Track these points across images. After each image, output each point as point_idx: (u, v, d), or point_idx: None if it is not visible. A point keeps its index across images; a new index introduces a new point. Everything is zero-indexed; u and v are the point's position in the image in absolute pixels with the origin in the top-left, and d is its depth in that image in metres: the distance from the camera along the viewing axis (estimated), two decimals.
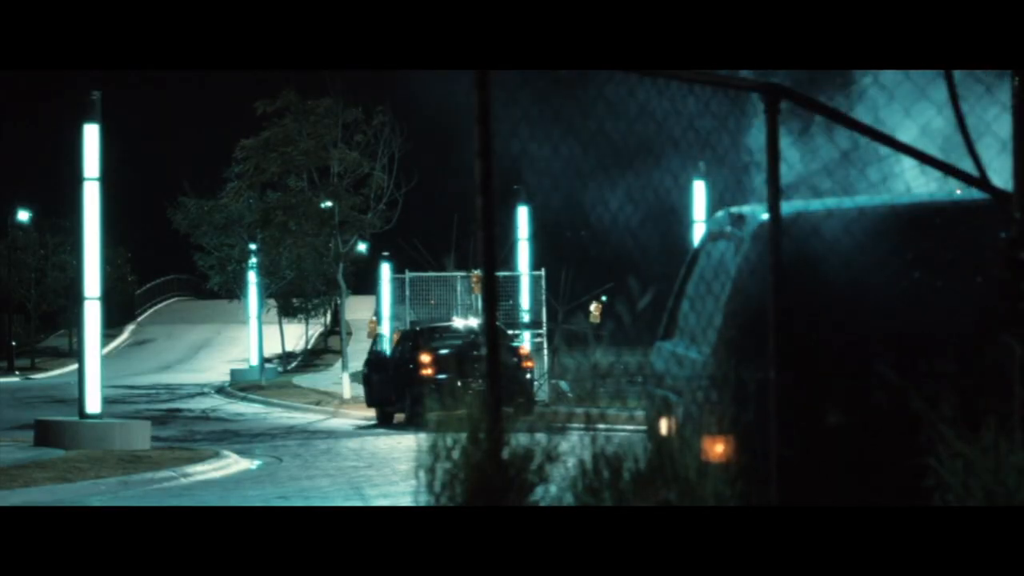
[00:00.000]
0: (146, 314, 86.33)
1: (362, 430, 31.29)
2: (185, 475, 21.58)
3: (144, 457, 22.98)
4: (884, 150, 7.61)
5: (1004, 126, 7.10)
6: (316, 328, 72.94)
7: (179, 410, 39.79)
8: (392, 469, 21.13)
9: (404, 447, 24.63)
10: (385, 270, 39.82)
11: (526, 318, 37.46)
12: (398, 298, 39.38)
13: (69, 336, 70.70)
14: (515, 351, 31.68)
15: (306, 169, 44.41)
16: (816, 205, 7.81)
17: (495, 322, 6.48)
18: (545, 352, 36.86)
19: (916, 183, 7.87)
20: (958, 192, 7.75)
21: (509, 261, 37.78)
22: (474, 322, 33.44)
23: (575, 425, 6.65)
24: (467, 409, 6.37)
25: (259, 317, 56.14)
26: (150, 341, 75.54)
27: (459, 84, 6.73)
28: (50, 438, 24.55)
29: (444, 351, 31.59)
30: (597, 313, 34.64)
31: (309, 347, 71.11)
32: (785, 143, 7.44)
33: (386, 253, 40.75)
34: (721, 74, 7.18)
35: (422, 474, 6.44)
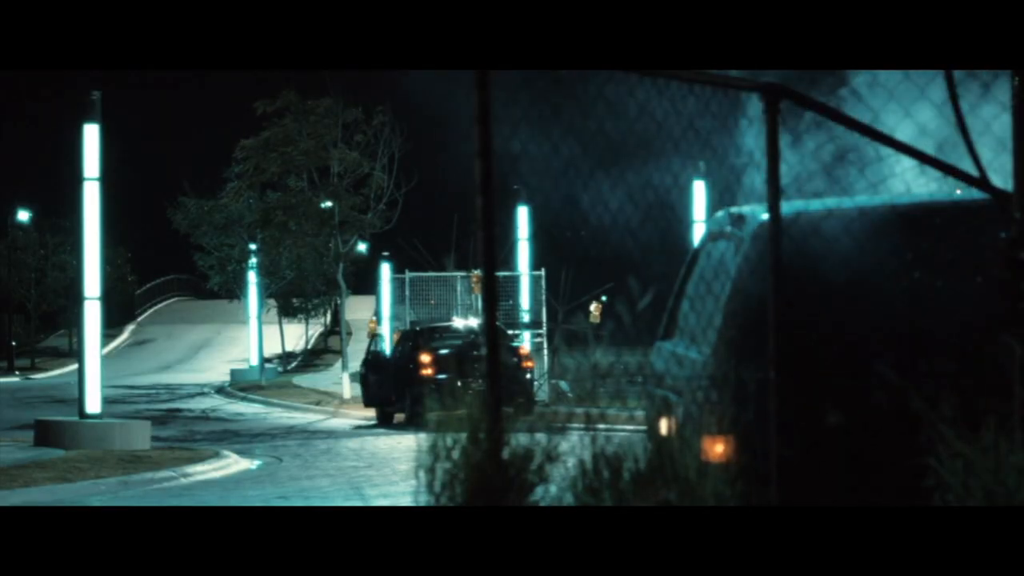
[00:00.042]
0: (146, 314, 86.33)
1: (362, 430, 31.30)
2: (185, 475, 21.58)
3: (144, 457, 22.98)
4: (875, 152, 7.60)
5: (1003, 126, 7.10)
6: (316, 328, 72.95)
7: (179, 410, 39.79)
8: (392, 469, 21.13)
9: (404, 447, 24.63)
10: (385, 270, 39.81)
11: (526, 318, 37.46)
12: (398, 298, 39.37)
13: (69, 336, 70.70)
14: (515, 351, 31.68)
15: (306, 169, 44.42)
16: (816, 205, 7.81)
17: (495, 322, 6.48)
18: (545, 352, 36.86)
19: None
20: (958, 192, 7.75)
21: (509, 261, 37.77)
22: (474, 322, 33.45)
23: (575, 425, 6.65)
24: (467, 409, 6.37)
25: (259, 317, 56.14)
26: (150, 341, 75.54)
27: (459, 84, 6.74)
28: (50, 438, 24.56)
29: (444, 351, 31.60)
30: (597, 313, 34.66)
31: (309, 347, 71.12)
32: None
33: (386, 253, 40.74)
34: (721, 74, 7.18)
35: (422, 474, 6.44)
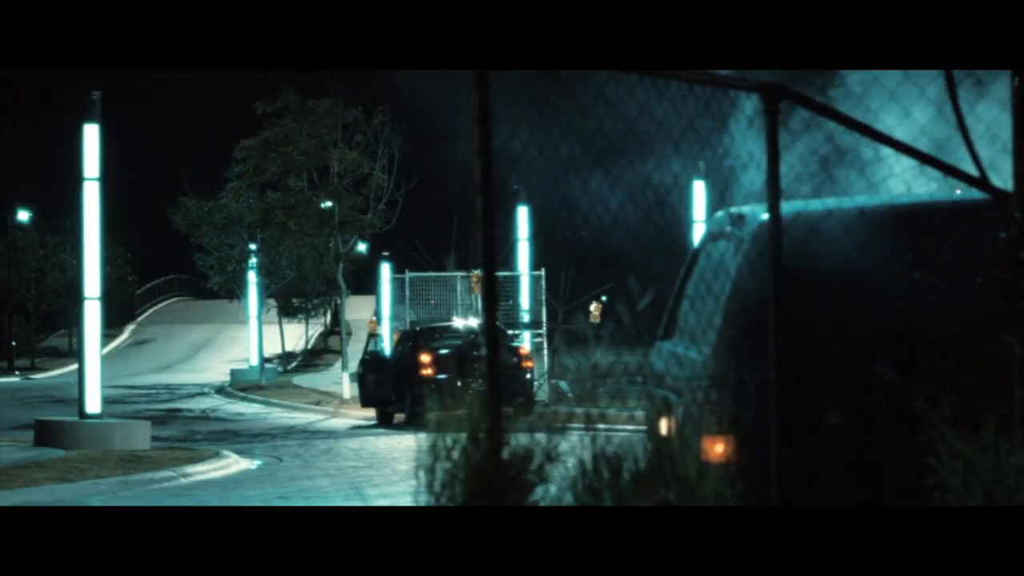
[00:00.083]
0: (146, 314, 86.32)
1: (362, 430, 31.29)
2: (185, 475, 21.57)
3: (144, 457, 22.98)
4: (874, 152, 7.61)
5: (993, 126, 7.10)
6: (316, 328, 72.93)
7: (179, 410, 39.78)
8: (392, 469, 21.13)
9: (404, 447, 24.63)
10: (385, 270, 39.80)
11: (526, 318, 37.46)
12: (398, 298, 39.36)
13: (69, 336, 70.69)
14: (515, 351, 31.68)
15: (306, 169, 44.43)
16: (816, 205, 7.81)
17: (495, 322, 6.48)
18: (545, 352, 36.86)
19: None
20: (958, 192, 7.75)
21: (509, 261, 37.77)
22: (474, 322, 33.45)
23: (575, 425, 6.65)
24: (467, 409, 6.37)
25: (259, 317, 56.13)
26: (150, 341, 75.53)
27: (459, 84, 6.74)
28: (50, 438, 24.55)
29: (444, 351, 31.60)
30: (597, 313, 34.65)
31: (309, 347, 71.11)
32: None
33: (386, 253, 40.73)
34: (720, 74, 7.18)
35: (422, 474, 6.44)
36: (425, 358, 31.54)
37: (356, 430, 31.34)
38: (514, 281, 37.82)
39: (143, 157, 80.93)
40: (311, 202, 44.72)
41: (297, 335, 70.11)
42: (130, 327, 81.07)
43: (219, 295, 64.92)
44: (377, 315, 40.76)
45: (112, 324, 66.63)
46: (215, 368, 59.98)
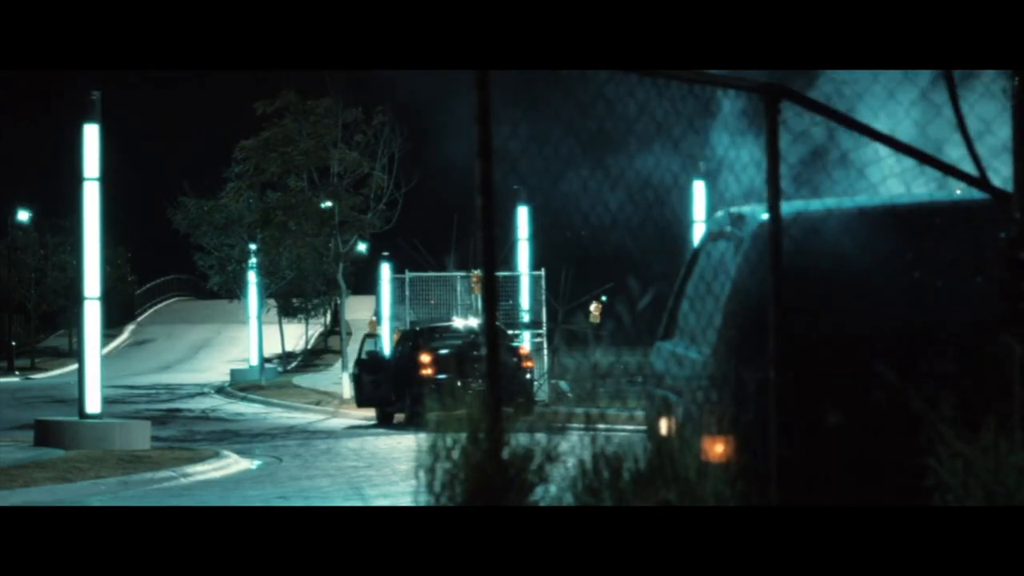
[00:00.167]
0: (146, 314, 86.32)
1: (362, 430, 31.29)
2: (185, 475, 21.57)
3: (144, 457, 22.98)
4: (874, 153, 7.61)
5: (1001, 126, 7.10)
6: (316, 328, 72.94)
7: (179, 410, 39.79)
8: (392, 469, 21.13)
9: (404, 447, 24.63)
10: (385, 270, 39.81)
11: (526, 318, 37.47)
12: (398, 298, 39.38)
13: (69, 336, 70.69)
14: (515, 351, 31.68)
15: (306, 169, 44.43)
16: (816, 205, 7.81)
17: (495, 322, 6.48)
18: (545, 352, 36.87)
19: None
20: (958, 192, 7.75)
21: (509, 261, 37.78)
22: (474, 322, 33.45)
23: (575, 425, 6.65)
24: (467, 409, 6.37)
25: (259, 317, 56.15)
26: (150, 341, 75.53)
27: (459, 84, 6.74)
28: (50, 438, 24.55)
29: (444, 351, 31.60)
30: (597, 313, 34.66)
31: (309, 347, 71.12)
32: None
33: (386, 253, 40.75)
34: (720, 74, 7.18)
35: (422, 474, 6.44)
36: (425, 358, 31.55)
37: (356, 430, 31.34)
38: (514, 281, 37.83)
39: (143, 157, 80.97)
40: (311, 202, 44.72)
41: (297, 335, 70.12)
42: (130, 327, 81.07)
43: (219, 295, 64.93)
44: (377, 315, 40.78)
45: (112, 324, 66.63)
46: (215, 368, 59.98)
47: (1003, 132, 7.15)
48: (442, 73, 7.06)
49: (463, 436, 6.35)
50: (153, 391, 48.62)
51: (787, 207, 7.38)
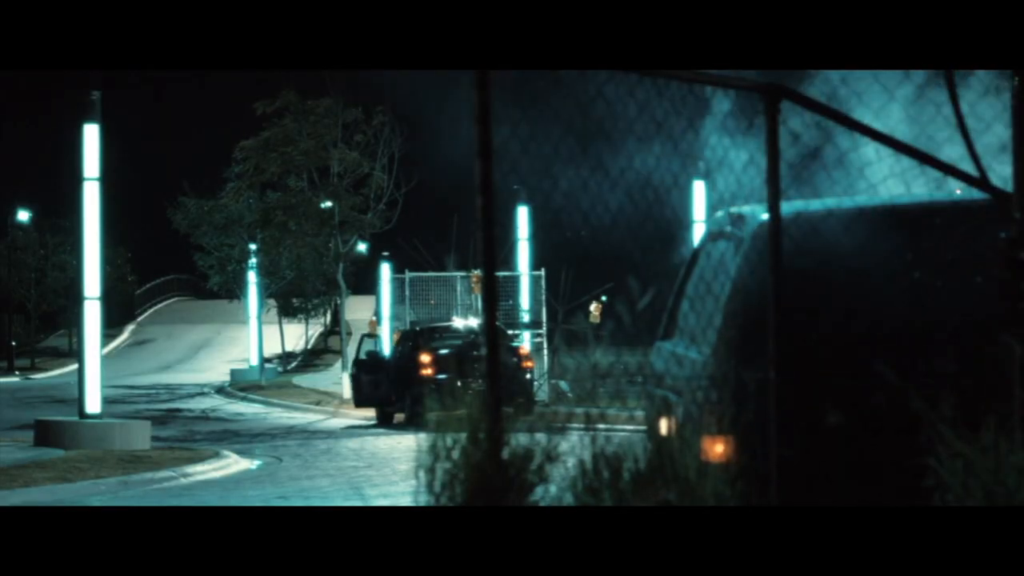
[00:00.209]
0: (146, 314, 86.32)
1: (362, 430, 31.29)
2: (185, 475, 21.58)
3: (144, 457, 22.98)
4: (875, 152, 7.61)
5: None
6: (316, 328, 72.95)
7: (179, 410, 39.79)
8: (392, 469, 21.13)
9: (404, 447, 24.64)
10: (385, 270, 39.82)
11: (526, 318, 37.47)
12: (398, 298, 39.39)
13: (69, 336, 70.69)
14: (515, 351, 31.68)
15: (306, 169, 44.45)
16: (816, 205, 7.81)
17: (495, 322, 6.47)
18: (545, 352, 36.86)
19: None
20: (958, 192, 7.75)
21: (509, 261, 37.78)
22: (474, 322, 33.45)
23: (575, 425, 6.65)
24: (467, 409, 6.37)
25: (259, 317, 56.15)
26: (150, 341, 75.53)
27: (459, 84, 6.74)
28: (50, 438, 24.56)
29: (444, 351, 31.60)
30: (597, 313, 34.66)
31: (309, 347, 71.12)
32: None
33: (386, 253, 40.76)
34: (718, 74, 7.18)
35: (422, 474, 6.44)
36: (425, 358, 31.55)
37: (356, 430, 31.34)
38: (514, 281, 37.83)
39: (143, 157, 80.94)
40: (311, 202, 44.74)
41: (297, 335, 70.12)
42: (130, 327, 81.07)
43: (219, 295, 64.96)
44: (377, 315, 40.80)
45: (112, 324, 66.63)
46: (215, 368, 59.98)
47: (1003, 132, 7.15)
48: (442, 73, 7.05)
49: (463, 436, 6.35)
50: (153, 391, 48.62)
51: (787, 207, 7.38)
